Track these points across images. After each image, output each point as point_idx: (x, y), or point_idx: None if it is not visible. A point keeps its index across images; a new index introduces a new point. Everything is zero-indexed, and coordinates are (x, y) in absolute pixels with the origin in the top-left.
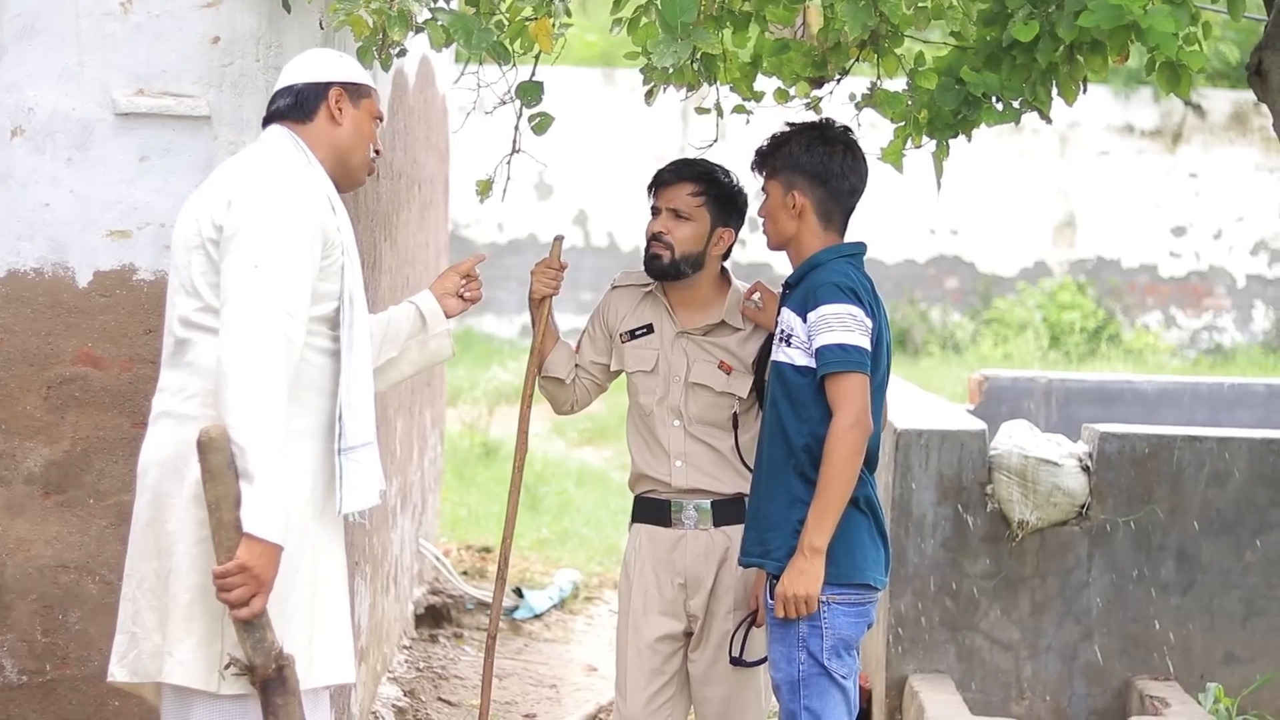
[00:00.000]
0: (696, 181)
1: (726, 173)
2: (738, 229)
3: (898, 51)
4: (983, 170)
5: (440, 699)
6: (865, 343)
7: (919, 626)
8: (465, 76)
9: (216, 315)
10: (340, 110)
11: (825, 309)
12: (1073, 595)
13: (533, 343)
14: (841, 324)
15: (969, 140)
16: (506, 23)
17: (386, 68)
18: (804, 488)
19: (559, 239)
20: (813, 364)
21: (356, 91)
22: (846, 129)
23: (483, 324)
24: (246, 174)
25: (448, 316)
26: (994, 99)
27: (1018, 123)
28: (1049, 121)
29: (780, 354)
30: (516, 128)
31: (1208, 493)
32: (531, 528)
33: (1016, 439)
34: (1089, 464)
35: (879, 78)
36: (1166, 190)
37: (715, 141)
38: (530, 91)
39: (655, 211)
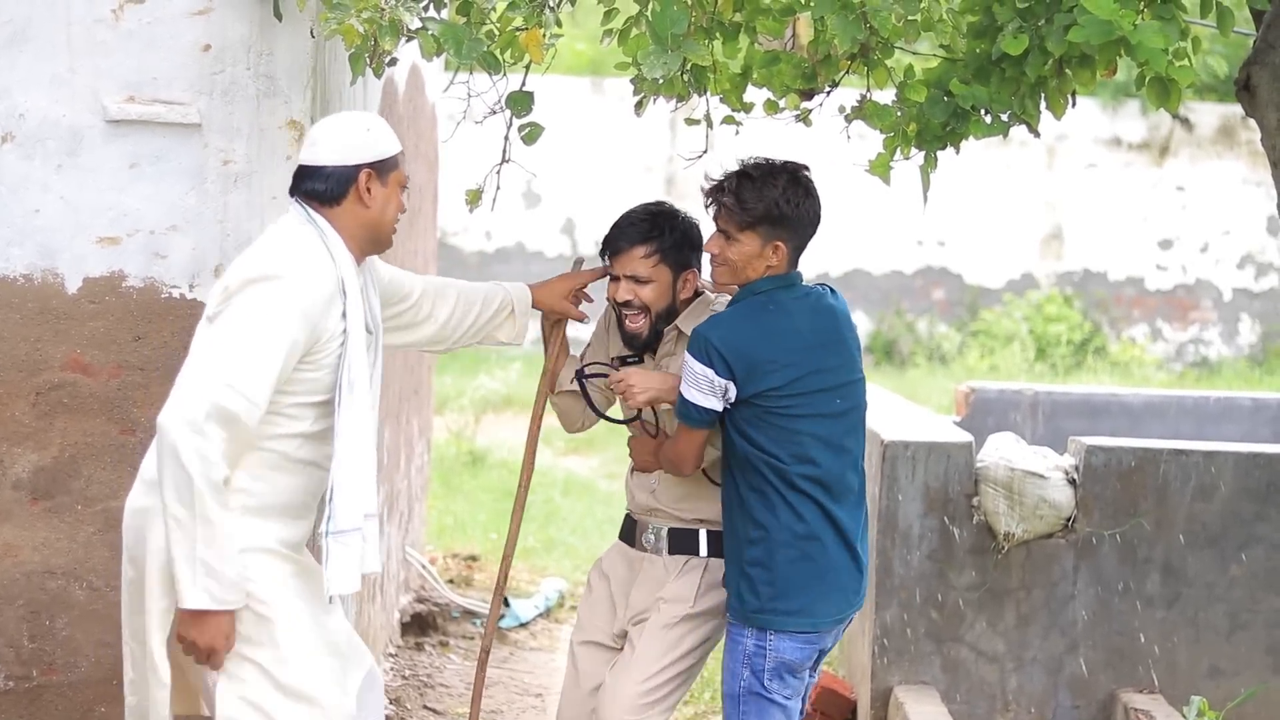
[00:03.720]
0: (646, 242)
1: (672, 214)
2: (699, 262)
3: (887, 64)
4: (970, 182)
5: (426, 707)
6: (703, 398)
7: (904, 638)
8: (455, 85)
9: None
10: (370, 191)
11: (687, 357)
12: (1058, 608)
13: (545, 364)
14: (688, 377)
15: (957, 152)
16: (497, 33)
17: (379, 75)
18: (748, 526)
19: (580, 261)
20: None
21: (384, 167)
22: (804, 167)
23: None
24: (254, 255)
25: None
26: (982, 111)
27: (1006, 135)
28: (1037, 135)
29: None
30: (506, 137)
31: (1193, 506)
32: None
33: (1003, 451)
34: (1075, 477)
35: (868, 90)
36: (1153, 203)
37: (705, 153)
38: (520, 101)
39: (614, 279)
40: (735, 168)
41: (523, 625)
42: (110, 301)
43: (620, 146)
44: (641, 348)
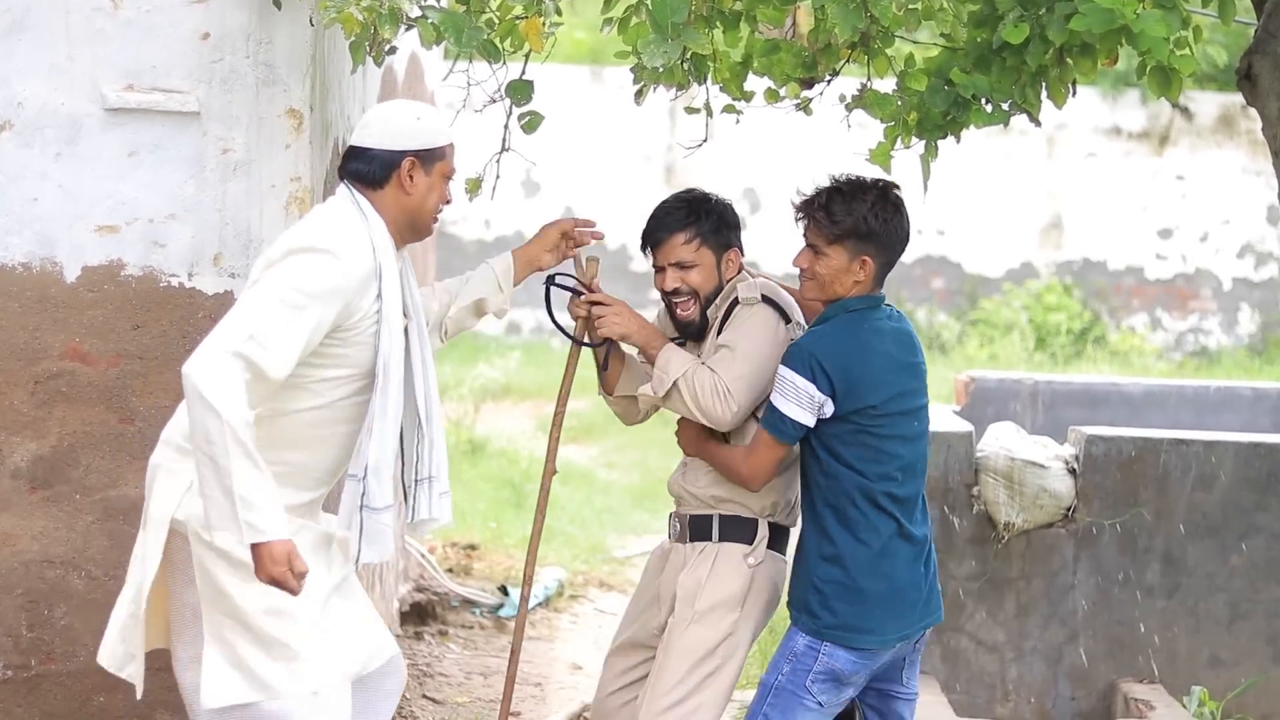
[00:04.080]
0: (686, 228)
1: (705, 198)
2: (739, 241)
3: (888, 52)
4: (970, 171)
5: (425, 696)
6: (797, 412)
7: None
8: (455, 74)
9: None
10: (412, 179)
11: (782, 368)
12: (1058, 597)
13: (561, 389)
14: (781, 388)
15: (958, 141)
16: (497, 21)
17: (379, 63)
18: (825, 543)
19: (593, 261)
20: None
21: (430, 157)
22: (896, 186)
23: None
24: (298, 229)
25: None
26: (983, 100)
27: (1006, 124)
28: (1038, 124)
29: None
30: (506, 126)
31: (1194, 496)
32: (516, 525)
33: (1003, 441)
34: (1075, 466)
35: (869, 78)
36: (1153, 192)
37: (704, 141)
38: (520, 90)
39: (659, 269)
40: (827, 183)
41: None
42: (109, 290)
43: (620, 135)
44: (696, 335)
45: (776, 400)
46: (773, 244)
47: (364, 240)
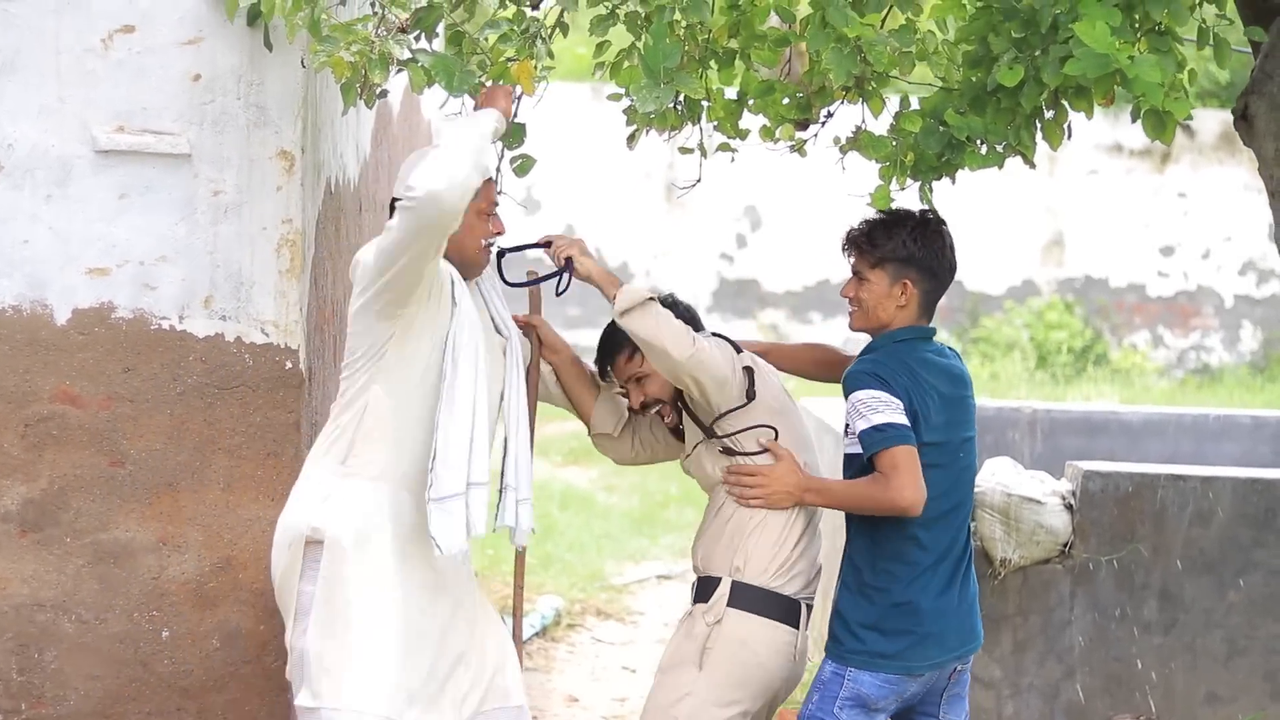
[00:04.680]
0: (623, 348)
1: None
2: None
3: (883, 92)
4: (970, 189)
5: None
6: (900, 418)
7: None
8: (450, 102)
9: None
10: None
11: (853, 396)
12: (1055, 633)
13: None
14: (869, 408)
15: (953, 183)
16: (489, 63)
17: (370, 106)
18: (851, 571)
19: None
20: (858, 450)
21: None
22: (940, 219)
23: None
24: None
25: None
26: (978, 142)
27: (1001, 166)
28: (1032, 166)
29: (845, 446)
30: (499, 169)
31: (1191, 532)
32: (511, 554)
33: (1000, 476)
34: (1072, 502)
35: (863, 121)
36: (1155, 209)
37: (698, 181)
38: (513, 134)
39: (623, 393)
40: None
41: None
42: (99, 333)
43: (621, 152)
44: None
45: (873, 418)
46: (773, 261)
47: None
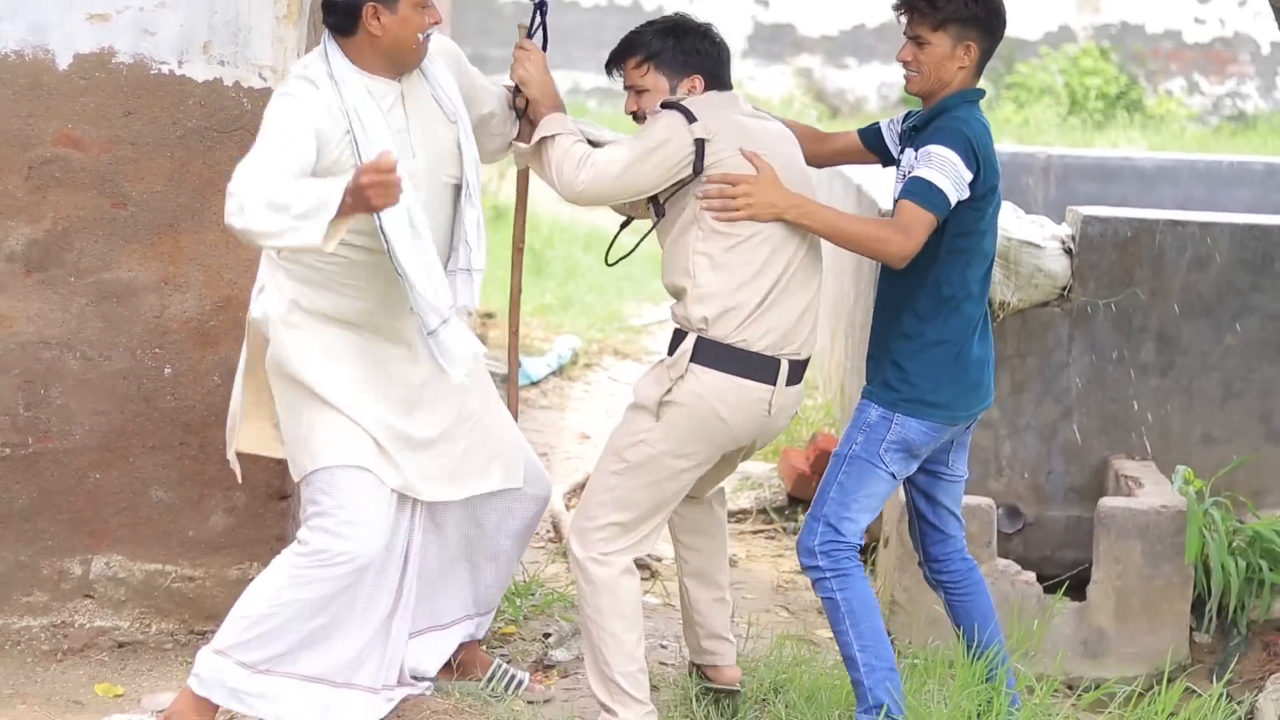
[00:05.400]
0: (635, 53)
1: (674, 26)
2: (707, 70)
3: None
4: None
5: None
6: (951, 191)
7: None
8: None
9: None
10: (379, 21)
11: (934, 148)
12: (1052, 375)
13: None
14: (940, 165)
15: None
16: None
17: None
18: (913, 323)
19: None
20: None
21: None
22: None
23: None
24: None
25: None
26: None
27: None
28: None
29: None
30: None
31: (1189, 276)
32: (535, 293)
33: (1000, 220)
34: (1071, 246)
35: None
36: None
37: None
38: None
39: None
40: None
41: (534, 384)
42: (100, 78)
43: None
44: None
45: (932, 175)
46: (809, 4)
47: (323, 78)
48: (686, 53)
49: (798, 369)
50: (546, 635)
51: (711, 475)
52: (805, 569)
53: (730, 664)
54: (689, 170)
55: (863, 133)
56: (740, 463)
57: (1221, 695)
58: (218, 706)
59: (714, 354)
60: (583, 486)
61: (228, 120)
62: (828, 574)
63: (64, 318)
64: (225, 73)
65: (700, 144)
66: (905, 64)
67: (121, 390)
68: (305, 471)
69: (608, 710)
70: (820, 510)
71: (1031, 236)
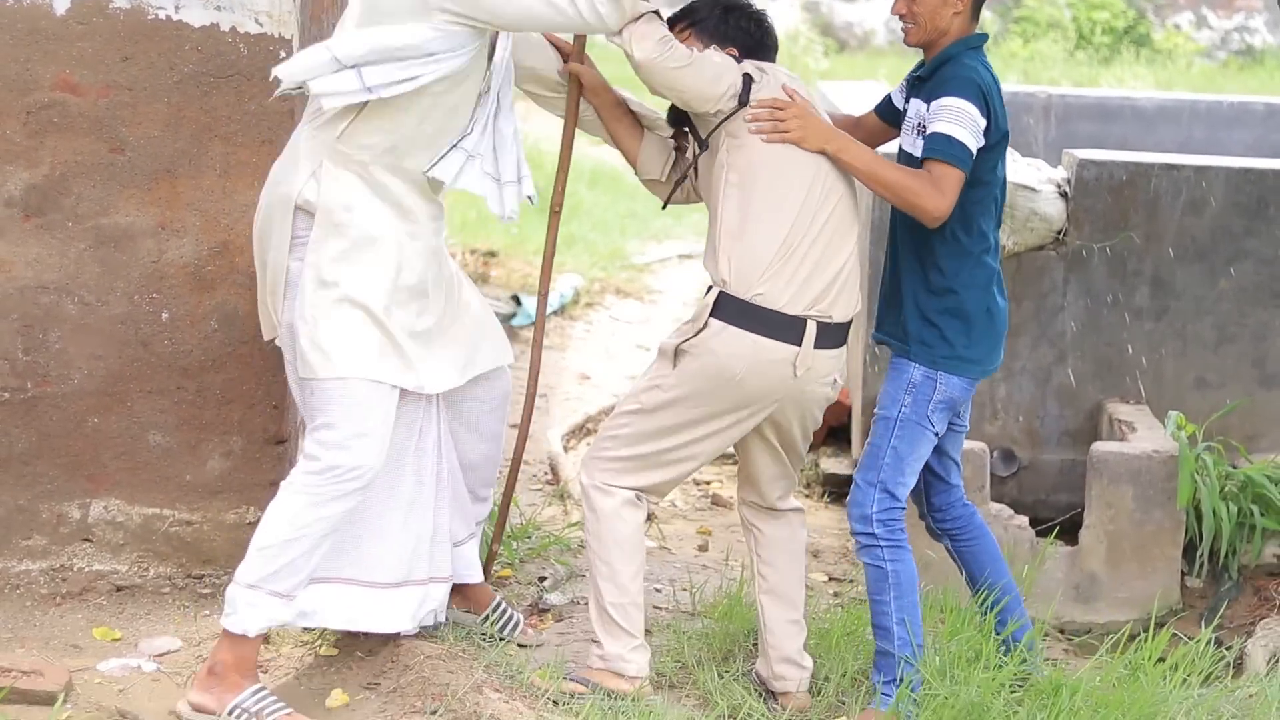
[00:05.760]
0: (681, 20)
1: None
2: (746, 43)
3: None
4: None
5: None
6: (971, 141)
7: None
8: None
9: None
10: None
11: (947, 100)
12: (1047, 319)
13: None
14: (956, 117)
15: None
16: None
17: None
18: (939, 278)
19: None
20: (918, 154)
21: None
22: None
23: None
24: None
25: None
26: None
27: None
28: None
29: (912, 146)
30: None
31: (1184, 220)
32: (538, 231)
33: None
34: (1067, 190)
35: None
36: None
37: None
38: None
39: None
40: None
41: (534, 323)
42: (98, 22)
43: None
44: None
45: (953, 130)
46: None
47: None
48: (729, 25)
49: (831, 332)
50: (542, 579)
51: (764, 460)
52: (856, 534)
53: (803, 691)
54: (734, 102)
55: (878, 110)
56: (801, 446)
57: (1210, 640)
58: (258, 642)
59: (733, 310)
60: (581, 428)
61: (224, 65)
62: (882, 543)
63: (62, 262)
64: (222, 18)
65: (748, 78)
66: (901, 17)
67: (119, 335)
68: (316, 374)
69: (595, 642)
70: (876, 476)
71: (1027, 180)
